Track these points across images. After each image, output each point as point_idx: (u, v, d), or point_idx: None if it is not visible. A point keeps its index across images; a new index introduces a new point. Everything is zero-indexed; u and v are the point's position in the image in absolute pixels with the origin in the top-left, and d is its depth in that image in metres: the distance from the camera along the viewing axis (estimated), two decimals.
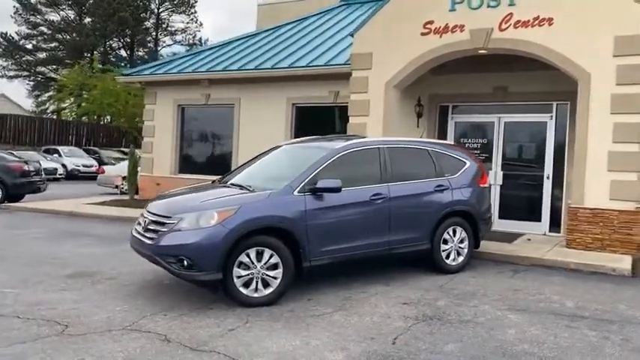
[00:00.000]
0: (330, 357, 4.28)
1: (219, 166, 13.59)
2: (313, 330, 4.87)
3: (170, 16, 50.66)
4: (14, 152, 18.79)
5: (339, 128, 11.94)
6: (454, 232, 7.11)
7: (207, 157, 14.55)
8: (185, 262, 5.31)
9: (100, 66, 35.68)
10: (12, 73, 47.75)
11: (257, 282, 5.48)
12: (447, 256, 7.04)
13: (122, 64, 43.30)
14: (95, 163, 26.23)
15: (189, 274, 5.38)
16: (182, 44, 50.48)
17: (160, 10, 49.87)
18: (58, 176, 23.36)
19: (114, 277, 6.56)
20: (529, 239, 9.40)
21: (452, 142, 8.64)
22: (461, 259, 7.18)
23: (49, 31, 47.46)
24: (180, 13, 50.36)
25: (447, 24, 9.58)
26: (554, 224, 10.27)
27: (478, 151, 10.61)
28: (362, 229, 6.20)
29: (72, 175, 24.94)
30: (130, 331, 4.72)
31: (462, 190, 7.19)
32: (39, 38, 47.62)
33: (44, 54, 47.68)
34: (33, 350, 4.25)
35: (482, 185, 7.59)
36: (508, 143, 10.80)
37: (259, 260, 5.48)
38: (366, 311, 5.44)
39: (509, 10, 9.07)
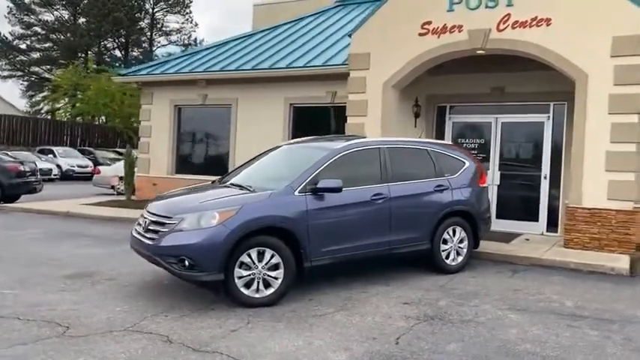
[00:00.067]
0: (333, 357, 4.27)
1: (216, 166, 13.58)
2: (316, 330, 4.87)
3: (165, 16, 50.54)
4: (8, 153, 18.67)
5: (337, 128, 11.93)
6: (454, 232, 7.12)
7: (204, 158, 14.52)
8: (186, 263, 5.30)
9: (95, 66, 35.56)
10: (6, 73, 47.50)
11: (258, 282, 5.46)
12: (447, 256, 7.06)
13: (117, 65, 43.12)
14: (90, 163, 26.11)
15: (190, 275, 5.36)
16: (177, 44, 50.41)
17: (155, 10, 49.72)
18: (52, 177, 23.23)
19: (113, 278, 6.53)
20: (527, 239, 9.43)
21: (451, 142, 8.65)
22: (460, 258, 7.19)
23: (43, 31, 47.21)
24: (175, 13, 50.24)
25: (445, 24, 9.60)
26: (552, 224, 10.32)
27: (475, 152, 10.65)
28: (363, 229, 6.20)
29: (67, 176, 24.82)
30: (132, 332, 4.70)
31: (461, 190, 7.20)
32: (33, 38, 47.35)
33: (38, 54, 47.42)
34: (34, 352, 4.23)
35: (481, 185, 7.61)
36: (505, 143, 10.84)
37: (260, 260, 5.47)
38: (368, 311, 5.44)
39: (507, 11, 9.09)
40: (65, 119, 35.69)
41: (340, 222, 6.04)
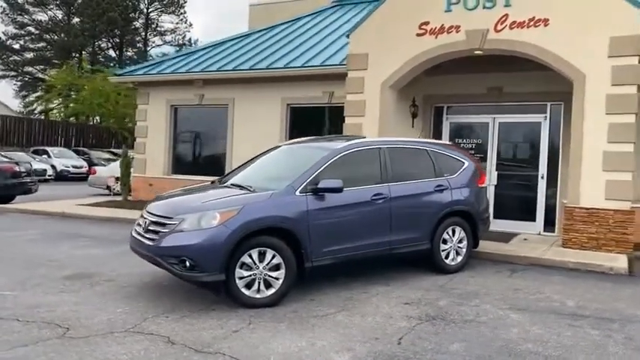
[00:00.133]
0: (336, 358, 4.27)
1: (213, 166, 13.58)
2: (318, 331, 4.86)
3: (159, 16, 50.44)
4: (2, 153, 18.54)
5: (334, 129, 11.93)
6: (453, 231, 7.13)
7: (201, 158, 14.48)
8: (187, 263, 5.27)
9: (89, 66, 35.41)
10: None
11: (259, 283, 5.45)
12: (447, 256, 7.06)
13: (111, 65, 42.95)
14: (85, 164, 25.99)
15: (191, 276, 5.34)
16: (171, 45, 50.29)
17: (150, 10, 49.61)
18: (47, 177, 23.09)
19: (112, 279, 6.49)
20: (525, 239, 9.46)
21: (450, 143, 8.67)
22: (460, 258, 7.20)
23: (37, 31, 46.98)
24: (170, 13, 50.15)
25: (442, 25, 9.61)
26: (549, 224, 10.36)
27: (473, 152, 10.65)
28: (363, 229, 6.20)
29: (61, 176, 24.67)
30: (133, 334, 4.67)
31: (461, 190, 7.21)
32: (26, 38, 47.11)
33: (32, 54, 47.20)
34: (35, 353, 4.19)
35: (480, 185, 7.62)
36: (503, 143, 10.87)
37: (261, 261, 5.45)
38: (369, 311, 5.44)
39: (504, 11, 9.12)
40: (59, 119, 35.51)
41: (341, 222, 6.03)
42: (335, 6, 16.46)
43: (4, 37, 45.89)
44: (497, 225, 10.00)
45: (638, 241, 8.60)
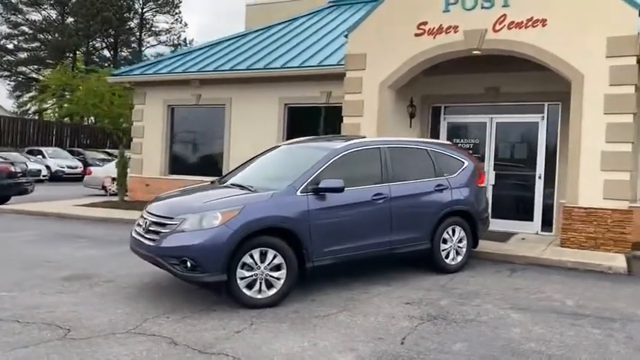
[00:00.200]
0: (339, 358, 4.25)
1: (210, 166, 13.55)
2: (320, 331, 4.84)
3: (154, 16, 50.27)
4: None
5: (332, 129, 11.91)
6: (453, 231, 7.13)
7: (198, 158, 14.43)
8: (189, 264, 5.25)
9: (84, 66, 35.23)
10: None
11: (261, 283, 5.43)
12: (447, 256, 7.07)
13: (106, 65, 42.73)
14: (80, 164, 25.89)
15: (192, 276, 5.32)
16: (166, 45, 50.16)
17: (144, 10, 49.44)
18: (42, 178, 22.95)
19: (112, 280, 6.45)
20: (523, 238, 9.49)
21: (450, 142, 8.68)
22: (460, 258, 7.20)
23: (31, 31, 46.72)
24: (165, 13, 49.98)
25: (440, 25, 9.62)
26: (546, 223, 10.38)
27: (470, 152, 10.65)
28: (364, 229, 6.19)
29: (56, 177, 24.55)
30: (135, 335, 4.64)
31: (460, 189, 7.22)
32: (20, 38, 46.84)
33: (25, 54, 46.92)
34: (36, 355, 4.16)
35: (479, 185, 7.63)
36: (500, 143, 10.89)
37: (263, 261, 5.43)
38: (371, 311, 5.43)
39: (503, 12, 9.13)
40: (53, 120, 35.34)
41: (342, 222, 6.02)
42: (332, 6, 16.45)
43: None
44: (495, 225, 9.96)
45: (636, 240, 8.64)
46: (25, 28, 46.64)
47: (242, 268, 5.35)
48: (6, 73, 47.26)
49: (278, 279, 5.50)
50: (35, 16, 46.51)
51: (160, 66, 14.59)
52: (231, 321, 5.04)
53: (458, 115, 11.34)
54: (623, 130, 8.37)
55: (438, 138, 10.98)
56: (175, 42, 49.97)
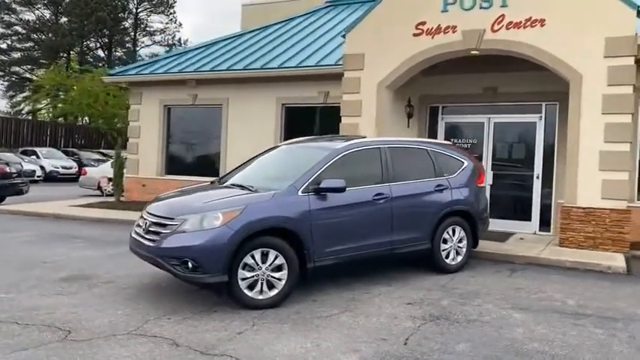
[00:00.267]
0: (343, 359, 4.23)
1: (207, 166, 13.52)
2: (322, 332, 4.81)
3: (149, 16, 49.99)
4: None
5: (329, 129, 11.88)
6: (453, 231, 7.12)
7: (195, 158, 14.38)
8: (190, 265, 5.20)
9: (78, 66, 35.06)
10: None
11: (262, 284, 5.39)
12: (447, 256, 7.06)
13: (100, 65, 42.52)
14: (75, 164, 25.74)
15: (193, 277, 5.28)
16: (161, 45, 49.91)
17: (139, 10, 49.18)
18: (36, 178, 22.82)
19: (111, 281, 6.40)
20: (521, 238, 9.50)
21: (450, 142, 8.68)
22: (460, 258, 7.20)
23: (24, 31, 46.38)
24: (159, 13, 49.73)
25: (439, 25, 9.62)
26: (544, 223, 10.39)
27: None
28: (365, 229, 6.17)
29: (50, 177, 24.40)
30: (136, 336, 4.60)
31: (460, 189, 7.21)
32: (13, 38, 46.45)
33: (19, 54, 46.56)
34: (36, 357, 4.11)
35: (479, 184, 7.63)
36: (498, 143, 10.90)
37: (264, 262, 5.40)
38: (372, 312, 5.41)
39: (501, 12, 9.14)
40: (47, 120, 35.13)
41: (343, 222, 6.00)
42: (328, 6, 16.44)
43: None
44: (492, 224, 9.89)
45: (634, 240, 8.67)
46: (19, 28, 46.29)
47: (243, 268, 5.31)
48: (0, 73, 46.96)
49: (279, 279, 5.47)
50: (29, 16, 46.23)
51: (157, 66, 14.53)
52: (233, 322, 5.00)
53: (456, 115, 11.34)
54: (622, 130, 8.40)
55: (435, 138, 10.98)
56: (170, 42, 49.75)
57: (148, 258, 5.60)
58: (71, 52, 45.98)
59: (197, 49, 15.20)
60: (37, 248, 8.35)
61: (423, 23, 9.74)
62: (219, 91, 13.38)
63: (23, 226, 10.56)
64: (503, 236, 9.47)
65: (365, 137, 7.49)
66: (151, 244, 5.48)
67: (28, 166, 22.53)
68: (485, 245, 8.19)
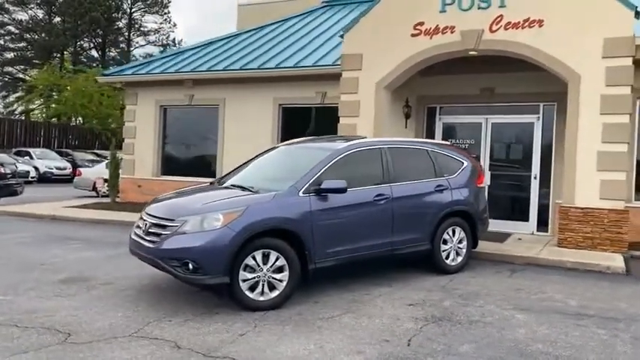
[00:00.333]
0: None
1: (203, 167, 13.47)
2: (325, 333, 4.78)
3: (143, 16, 49.83)
4: None
5: (327, 129, 11.84)
6: (453, 232, 7.11)
7: (191, 159, 14.32)
8: (190, 266, 5.16)
9: (72, 66, 34.89)
10: None
11: (263, 285, 5.36)
12: (447, 256, 7.05)
13: (94, 65, 42.32)
14: (69, 165, 25.58)
15: (194, 278, 5.23)
16: (155, 45, 49.74)
17: (133, 10, 48.99)
18: (30, 179, 22.62)
19: (110, 282, 6.34)
20: (519, 238, 9.50)
21: (449, 143, 8.67)
22: (460, 259, 7.19)
23: (17, 31, 46.08)
24: (153, 13, 49.56)
25: (437, 25, 9.61)
26: (542, 224, 10.40)
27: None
28: (366, 230, 6.15)
29: (44, 178, 24.19)
30: (137, 338, 4.55)
31: (460, 190, 7.20)
32: (6, 38, 46.13)
33: (12, 54, 46.25)
34: None
35: (479, 185, 7.63)
36: (495, 144, 10.92)
37: (265, 263, 5.36)
38: (374, 313, 5.38)
39: (499, 12, 9.14)
40: (40, 120, 34.92)
41: (344, 223, 5.97)
42: (325, 6, 16.41)
43: None
44: (490, 225, 9.94)
45: (633, 240, 8.69)
46: (12, 28, 45.97)
47: (244, 270, 5.28)
48: None
49: (280, 281, 5.43)
50: (22, 16, 45.93)
51: (152, 66, 14.45)
52: (235, 324, 4.96)
53: (453, 116, 11.34)
54: (619, 130, 8.42)
55: (433, 138, 10.97)
56: (164, 42, 49.60)
57: (147, 259, 5.55)
58: (65, 52, 45.74)
59: (193, 49, 15.14)
60: (34, 250, 8.27)
61: (422, 24, 9.74)
62: (216, 91, 13.33)
63: (19, 228, 10.46)
64: (501, 236, 9.47)
65: (365, 137, 7.48)
66: (151, 245, 5.43)
67: (21, 167, 22.34)
68: (484, 246, 8.18)
